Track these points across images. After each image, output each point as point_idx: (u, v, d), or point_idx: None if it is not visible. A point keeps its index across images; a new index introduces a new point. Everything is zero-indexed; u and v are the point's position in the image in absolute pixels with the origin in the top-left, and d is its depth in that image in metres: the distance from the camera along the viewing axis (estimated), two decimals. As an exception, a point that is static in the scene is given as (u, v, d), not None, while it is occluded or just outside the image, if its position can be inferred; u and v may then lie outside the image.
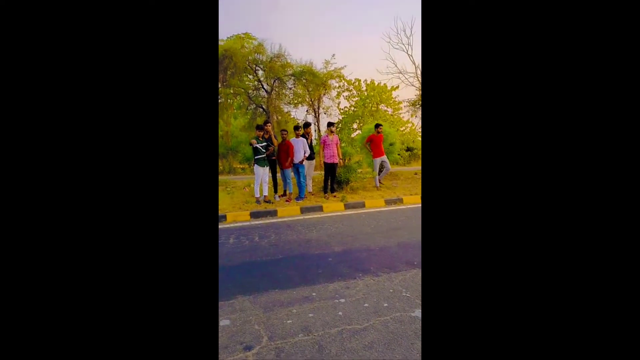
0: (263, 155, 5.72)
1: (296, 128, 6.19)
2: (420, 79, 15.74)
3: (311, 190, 6.68)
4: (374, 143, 7.15)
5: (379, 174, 7.32)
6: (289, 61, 16.48)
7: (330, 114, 18.90)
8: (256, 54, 16.28)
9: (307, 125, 6.46)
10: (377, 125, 7.31)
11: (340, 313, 2.32)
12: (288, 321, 2.22)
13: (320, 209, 5.67)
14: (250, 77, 17.00)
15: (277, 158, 6.14)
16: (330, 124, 6.37)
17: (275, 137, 6.12)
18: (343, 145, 8.33)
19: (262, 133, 5.73)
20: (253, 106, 18.03)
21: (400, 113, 18.02)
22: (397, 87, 17.07)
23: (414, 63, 28.42)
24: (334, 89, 18.39)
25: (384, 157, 7.27)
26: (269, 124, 5.99)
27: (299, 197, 6.13)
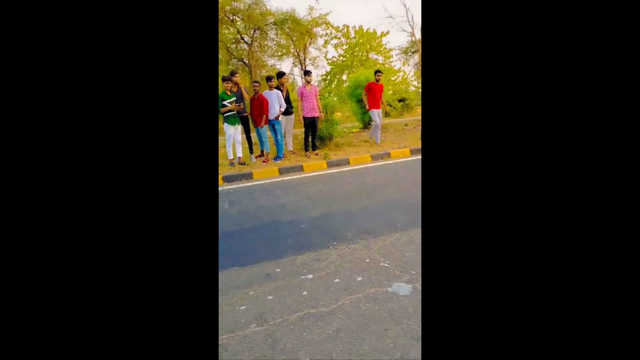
0: (233, 112, 5.11)
1: (269, 79, 5.48)
2: (411, 23, 14.59)
3: (292, 149, 6.15)
4: (371, 92, 6.25)
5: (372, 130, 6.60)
6: (268, 8, 15.11)
7: (318, 65, 17.82)
8: (233, 3, 14.86)
9: (280, 74, 5.73)
10: (377, 72, 6.34)
11: (304, 293, 1.97)
12: (241, 307, 1.87)
13: (300, 168, 5.22)
14: (231, 29, 15.67)
15: (250, 114, 5.53)
16: (307, 73, 5.65)
17: (245, 90, 5.46)
18: (333, 98, 7.63)
19: (230, 86, 5.04)
20: (234, 60, 16.84)
21: (392, 61, 17.06)
22: (387, 32, 15.89)
23: (405, 5, 26.52)
24: (320, 37, 17.20)
25: (380, 110, 6.41)
26: (237, 75, 5.29)
27: (277, 157, 5.63)
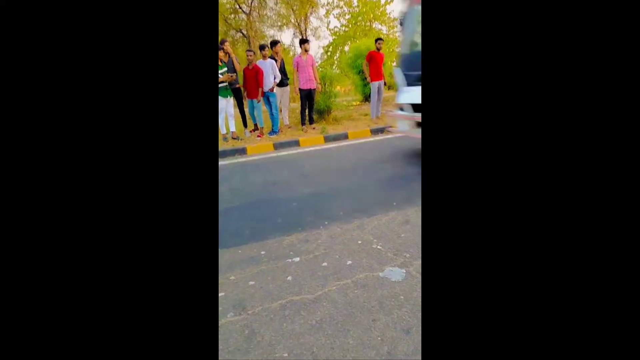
0: (225, 84, 4.83)
1: (262, 48, 5.15)
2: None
3: (287, 123, 5.89)
4: (373, 61, 5.78)
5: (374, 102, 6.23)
6: (266, -26, 14.29)
7: (320, 36, 17.12)
8: (230, -32, 14.08)
9: (274, 43, 5.36)
10: (378, 40, 5.85)
11: (289, 278, 1.82)
12: (220, 294, 1.73)
13: (296, 143, 5.00)
14: (228, -3, 14.93)
15: (244, 86, 5.23)
16: (303, 42, 5.29)
17: (237, 60, 5.14)
18: (335, 70, 7.24)
19: (220, 55, 4.75)
20: (232, 32, 16.17)
21: (396, 31, 16.34)
22: (392, 0, 15.09)
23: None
24: (322, 7, 16.48)
25: (382, 82, 5.98)
26: (227, 44, 4.95)
27: (273, 131, 5.39)
